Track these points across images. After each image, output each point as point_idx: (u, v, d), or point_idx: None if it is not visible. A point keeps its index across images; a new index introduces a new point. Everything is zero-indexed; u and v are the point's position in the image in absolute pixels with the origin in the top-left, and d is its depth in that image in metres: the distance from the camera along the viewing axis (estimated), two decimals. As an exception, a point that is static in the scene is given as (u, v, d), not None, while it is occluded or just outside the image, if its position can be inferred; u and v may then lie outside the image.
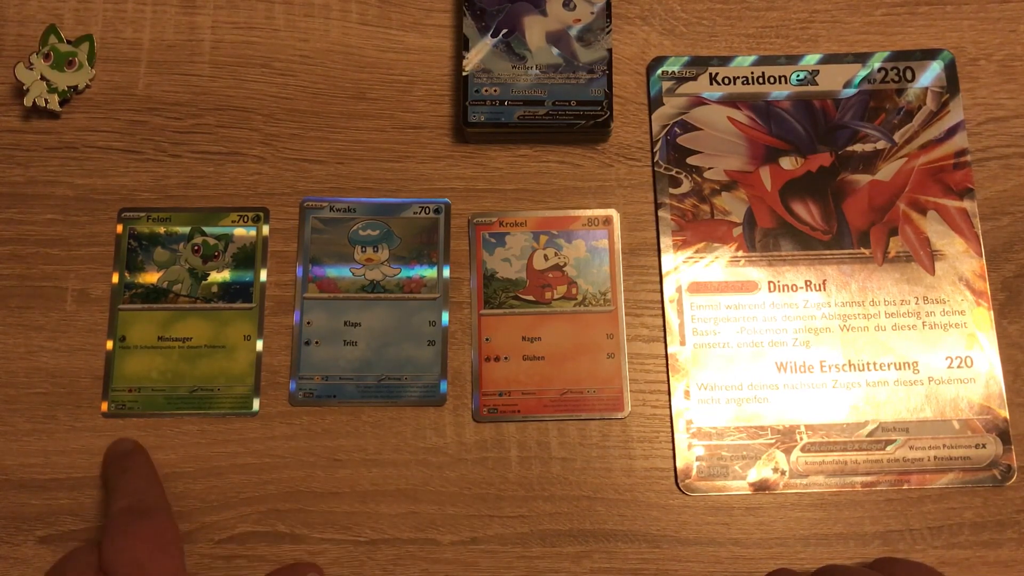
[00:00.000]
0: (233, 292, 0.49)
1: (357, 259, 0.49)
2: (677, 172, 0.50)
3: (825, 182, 0.50)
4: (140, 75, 0.52)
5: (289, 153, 0.51)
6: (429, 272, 0.49)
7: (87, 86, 0.51)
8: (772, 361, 0.48)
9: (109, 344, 0.48)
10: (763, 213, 0.50)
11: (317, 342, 0.48)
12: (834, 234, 0.49)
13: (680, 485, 0.47)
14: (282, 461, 0.47)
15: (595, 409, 0.47)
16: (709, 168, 0.50)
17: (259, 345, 0.48)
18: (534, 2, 0.51)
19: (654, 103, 0.51)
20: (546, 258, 0.49)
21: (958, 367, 0.48)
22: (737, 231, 0.49)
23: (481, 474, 0.47)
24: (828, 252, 0.49)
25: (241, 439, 0.47)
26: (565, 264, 0.49)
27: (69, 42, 0.51)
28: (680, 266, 0.49)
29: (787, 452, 0.47)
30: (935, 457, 0.47)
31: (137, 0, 0.53)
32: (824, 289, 0.49)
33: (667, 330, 0.48)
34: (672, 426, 0.47)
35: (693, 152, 0.50)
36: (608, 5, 0.51)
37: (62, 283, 0.49)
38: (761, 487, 0.46)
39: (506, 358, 0.48)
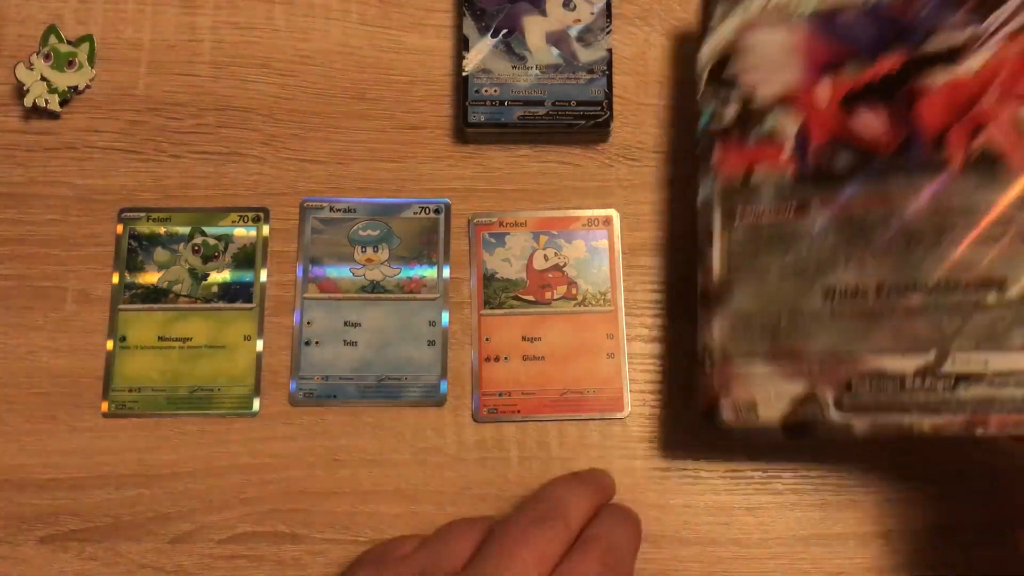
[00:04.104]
0: (233, 292, 0.49)
1: (357, 259, 0.49)
2: (723, 97, 0.45)
3: (893, 88, 0.42)
4: (140, 75, 0.52)
5: (289, 153, 0.51)
6: (429, 272, 0.49)
7: (87, 86, 0.51)
8: (819, 287, 0.41)
9: (109, 344, 0.48)
10: (818, 129, 0.43)
11: (317, 342, 0.48)
12: (902, 143, 0.41)
13: (708, 421, 0.42)
14: (282, 461, 0.47)
15: (595, 409, 0.47)
16: (758, 89, 0.44)
17: (259, 345, 0.48)
18: (534, 2, 0.51)
19: (706, 32, 0.46)
20: (546, 258, 0.49)
21: None
22: (787, 152, 0.43)
23: (481, 474, 0.47)
24: (895, 163, 0.41)
25: (241, 439, 0.47)
26: (565, 264, 0.49)
27: (69, 42, 0.51)
28: (717, 195, 0.44)
29: (830, 387, 0.40)
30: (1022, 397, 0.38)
31: (137, 0, 0.53)
32: (888, 203, 0.40)
33: (700, 260, 0.43)
34: (700, 360, 0.43)
35: (740, 76, 0.45)
36: (608, 5, 0.51)
37: (62, 283, 0.49)
38: (797, 428, 0.40)
39: (506, 358, 0.48)
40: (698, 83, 0.46)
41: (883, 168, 0.41)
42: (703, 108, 0.46)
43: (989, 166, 0.40)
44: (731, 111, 0.45)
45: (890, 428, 0.39)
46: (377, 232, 0.50)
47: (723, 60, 0.46)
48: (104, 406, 0.47)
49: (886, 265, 0.40)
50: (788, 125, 0.43)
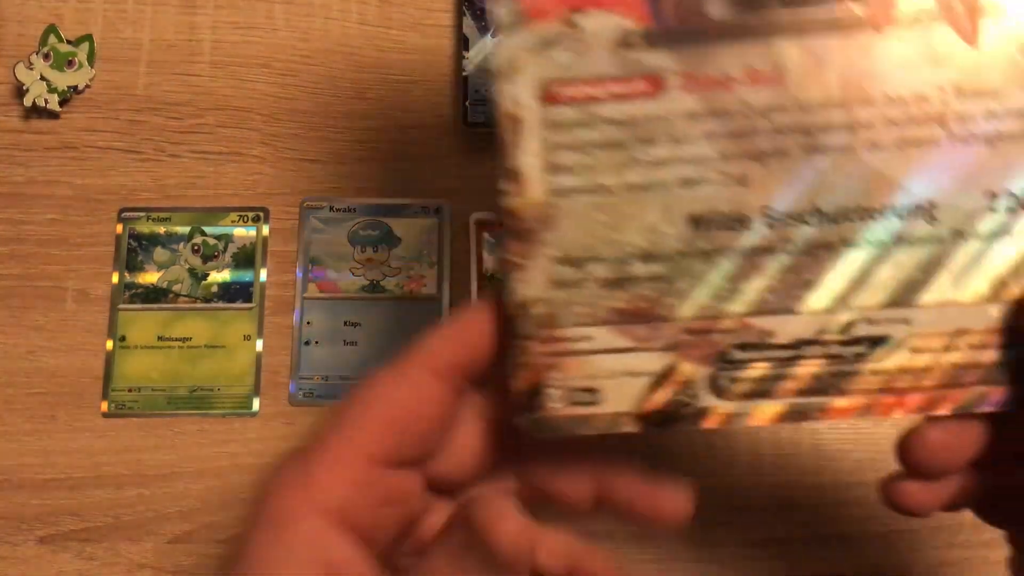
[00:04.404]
0: (233, 292, 0.49)
1: (357, 259, 0.49)
2: None
3: None
4: (140, 75, 0.52)
5: (289, 153, 0.51)
6: (429, 272, 0.49)
7: (87, 86, 0.51)
8: (683, 213, 0.28)
9: (109, 344, 0.48)
10: None
11: (317, 342, 0.48)
12: None
13: (526, 420, 0.28)
14: (282, 461, 0.47)
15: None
16: None
17: (259, 345, 0.48)
18: (534, 2, 0.51)
19: None
20: (546, 258, 0.49)
21: (1007, 212, 0.27)
22: None
23: (481, 474, 0.47)
24: (789, 13, 0.28)
25: (241, 439, 0.47)
26: (565, 264, 0.49)
27: (69, 42, 0.51)
28: (525, 56, 0.28)
29: (700, 362, 0.28)
30: (953, 365, 0.27)
31: (137, 0, 0.53)
32: (780, 82, 0.27)
33: (501, 173, 0.28)
34: (518, 325, 0.28)
35: None
36: (608, 5, 0.51)
37: (62, 283, 0.49)
38: (660, 419, 0.28)
39: (506, 358, 0.48)
40: None
41: (775, 23, 0.28)
42: None
43: (922, 29, 0.28)
44: None
45: (783, 414, 0.28)
46: (377, 232, 0.49)
47: None
48: (104, 406, 0.47)
49: (778, 179, 0.28)
50: None
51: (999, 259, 0.28)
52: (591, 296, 0.28)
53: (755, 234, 0.28)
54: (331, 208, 0.50)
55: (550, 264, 0.28)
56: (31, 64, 0.50)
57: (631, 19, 0.28)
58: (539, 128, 0.28)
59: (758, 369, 0.28)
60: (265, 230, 0.50)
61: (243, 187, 0.50)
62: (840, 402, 0.28)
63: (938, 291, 0.28)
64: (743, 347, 0.28)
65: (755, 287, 0.28)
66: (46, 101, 0.50)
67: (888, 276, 0.28)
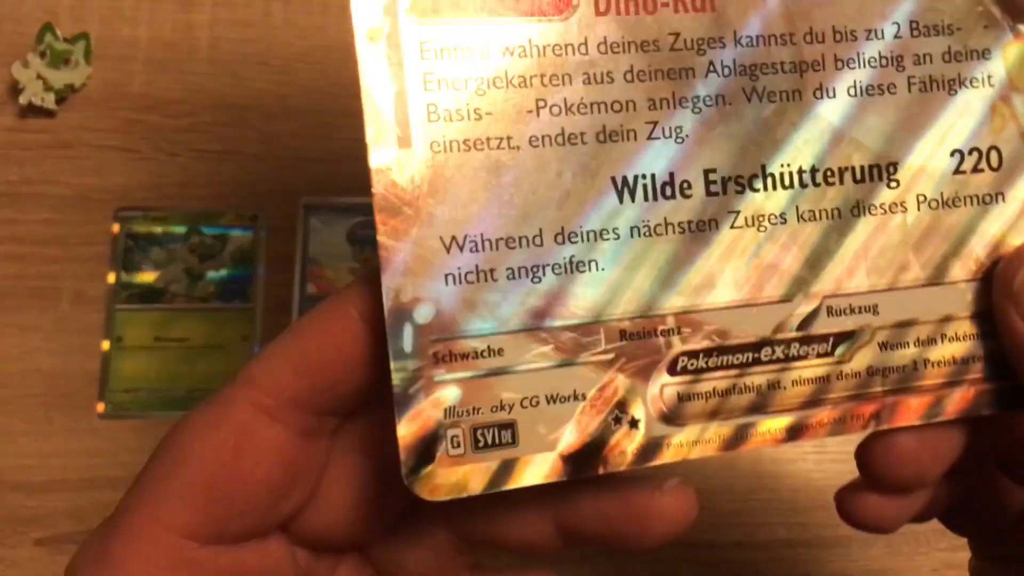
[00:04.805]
0: (231, 292, 0.48)
1: (356, 259, 0.49)
2: None
3: None
4: (137, 73, 0.51)
5: (288, 152, 0.50)
6: (429, 272, 0.49)
7: (83, 84, 0.51)
8: (605, 176, 0.21)
9: (105, 345, 0.48)
10: None
11: (316, 343, 0.48)
12: None
13: (407, 474, 0.20)
14: (280, 463, 0.46)
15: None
16: None
17: (257, 346, 0.48)
18: None
19: None
20: (547, 258, 0.49)
21: (974, 171, 0.23)
22: None
23: (481, 476, 0.46)
24: None
25: (239, 441, 0.47)
26: (566, 264, 0.49)
27: (65, 40, 0.51)
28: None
29: (642, 377, 0.22)
30: (930, 362, 0.23)
31: (134, -3, 0.53)
32: (712, 8, 0.22)
33: (365, 116, 0.22)
34: (391, 343, 0.20)
35: None
36: (609, 3, 0.50)
37: (58, 283, 0.48)
38: (590, 461, 0.21)
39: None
40: None
41: None
42: None
43: None
44: None
45: (742, 438, 0.22)
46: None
47: None
48: (100, 407, 0.47)
49: (719, 135, 0.22)
50: None
51: (972, 228, 0.23)
52: (495, 292, 0.21)
53: (695, 205, 0.22)
54: (330, 208, 0.50)
55: (437, 248, 0.21)
56: (27, 62, 0.50)
57: None
58: (411, 58, 0.21)
59: (713, 382, 0.22)
60: (263, 230, 0.49)
61: (241, 186, 0.50)
62: (806, 414, 0.22)
63: (910, 272, 0.23)
64: (694, 354, 0.22)
65: (700, 273, 0.22)
66: (42, 100, 0.50)
67: (849, 254, 0.22)
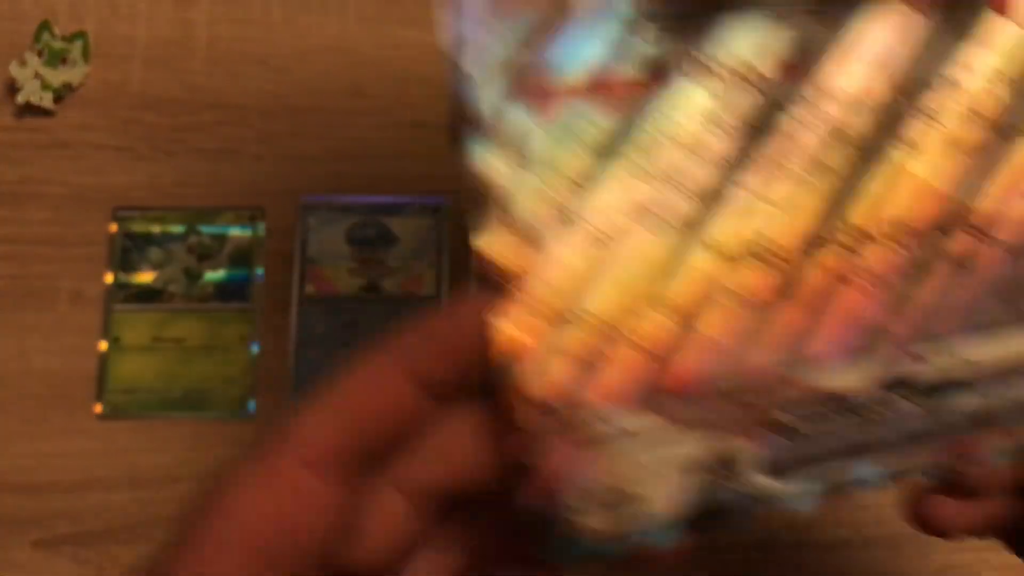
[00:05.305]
0: (229, 292, 0.48)
1: (355, 259, 0.49)
2: None
3: None
4: (135, 72, 0.51)
5: (286, 151, 0.50)
6: (429, 272, 0.48)
7: (81, 83, 0.51)
8: (697, 241, 0.22)
9: (103, 345, 0.48)
10: None
11: (314, 343, 0.47)
12: None
13: (555, 545, 0.22)
14: (279, 464, 0.46)
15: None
16: None
17: (255, 346, 0.48)
18: (535, -2, 0.50)
19: None
20: (547, 258, 0.49)
21: None
22: None
23: (481, 477, 0.46)
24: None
25: (237, 441, 0.47)
26: (566, 264, 0.48)
27: (63, 39, 0.51)
28: (491, 41, 0.24)
29: (745, 434, 0.22)
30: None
31: (132, -4, 0.52)
32: (802, 73, 0.23)
33: (470, 189, 0.25)
34: (521, 412, 0.22)
35: None
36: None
37: (55, 283, 0.48)
38: (711, 517, 0.22)
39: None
40: None
41: (802, 7, 0.23)
42: None
43: (966, 13, 0.23)
44: None
45: (844, 485, 0.22)
46: (375, 231, 0.49)
47: None
48: (98, 408, 0.47)
49: (811, 194, 0.22)
50: None
51: None
52: (608, 358, 0.21)
53: (789, 262, 0.22)
54: (329, 206, 0.49)
55: (537, 315, 0.21)
56: (24, 61, 0.50)
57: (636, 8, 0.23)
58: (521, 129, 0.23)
59: (811, 437, 0.22)
60: (261, 229, 0.49)
61: (239, 186, 0.50)
62: (912, 459, 0.23)
63: (990, 313, 0.22)
64: (797, 403, 0.22)
65: (819, 336, 0.22)
66: (40, 99, 0.50)
67: (946, 301, 0.22)
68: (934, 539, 0.45)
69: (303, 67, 0.51)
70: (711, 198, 0.22)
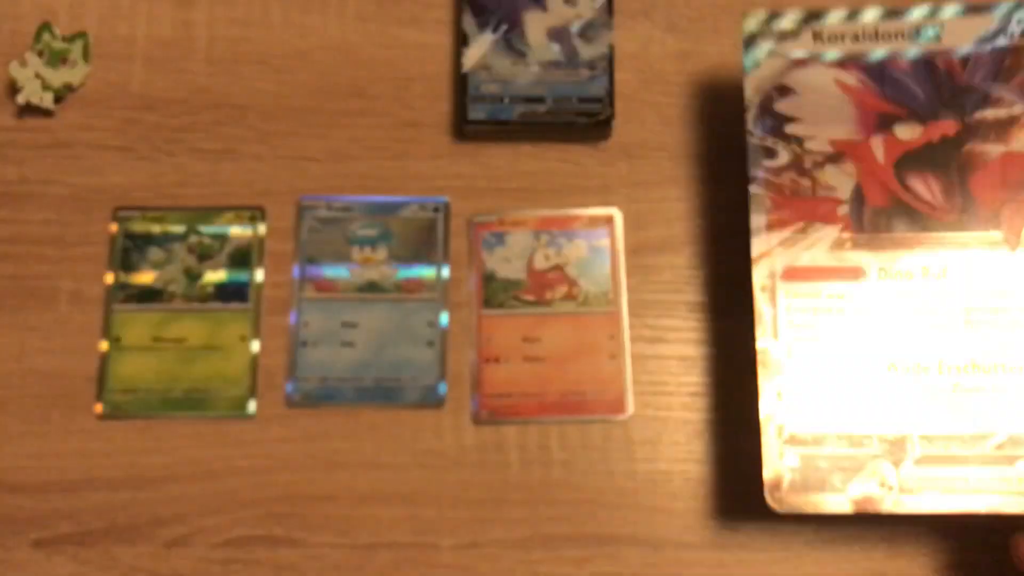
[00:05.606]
0: (229, 292, 0.48)
1: (355, 259, 0.49)
2: (773, 143, 0.44)
3: (949, 154, 0.43)
4: (135, 72, 0.51)
5: (286, 151, 0.50)
6: (428, 272, 0.48)
7: (81, 84, 0.51)
8: (881, 360, 0.42)
9: (103, 345, 0.47)
10: (874, 189, 0.43)
11: (314, 343, 0.47)
12: (958, 214, 0.43)
13: (771, 498, 0.41)
14: (279, 464, 0.46)
15: (596, 411, 0.47)
16: (811, 138, 0.44)
17: (255, 346, 0.48)
18: (534, -3, 0.50)
19: (749, 66, 0.45)
20: (547, 258, 0.49)
21: None
22: (843, 209, 0.43)
23: (481, 477, 0.46)
24: (951, 235, 0.42)
25: (237, 441, 0.47)
26: (566, 264, 0.48)
27: (63, 39, 0.51)
28: (774, 249, 0.43)
29: (896, 464, 0.41)
30: None
31: (132, -4, 0.52)
32: (945, 277, 0.42)
33: (758, 322, 0.42)
34: (760, 431, 0.41)
35: (793, 120, 0.44)
36: (610, 0, 0.50)
37: (56, 283, 0.48)
38: (864, 504, 0.40)
39: (506, 359, 0.47)
40: (747, 115, 0.45)
41: (942, 240, 0.42)
42: (751, 143, 0.44)
43: None
44: (784, 155, 0.44)
45: (957, 507, 0.40)
46: (375, 231, 0.49)
47: (769, 95, 0.45)
48: (98, 408, 0.47)
49: (947, 341, 0.42)
50: (843, 180, 0.44)
51: None
52: (816, 411, 0.41)
53: (932, 378, 0.41)
54: (328, 207, 0.49)
55: (788, 387, 0.42)
56: (25, 61, 0.50)
57: (845, 232, 0.43)
58: (781, 296, 0.42)
59: (935, 468, 0.41)
60: (262, 229, 0.49)
61: (239, 186, 0.50)
62: (994, 498, 0.40)
63: None
64: (927, 456, 0.41)
65: (933, 414, 0.41)
66: (40, 99, 0.50)
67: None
68: (934, 539, 0.45)
69: (303, 67, 0.51)
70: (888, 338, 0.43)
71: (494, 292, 0.48)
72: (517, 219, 0.49)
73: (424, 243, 0.49)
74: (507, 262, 0.49)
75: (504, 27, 0.50)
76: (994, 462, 0.40)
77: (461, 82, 0.49)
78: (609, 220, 0.49)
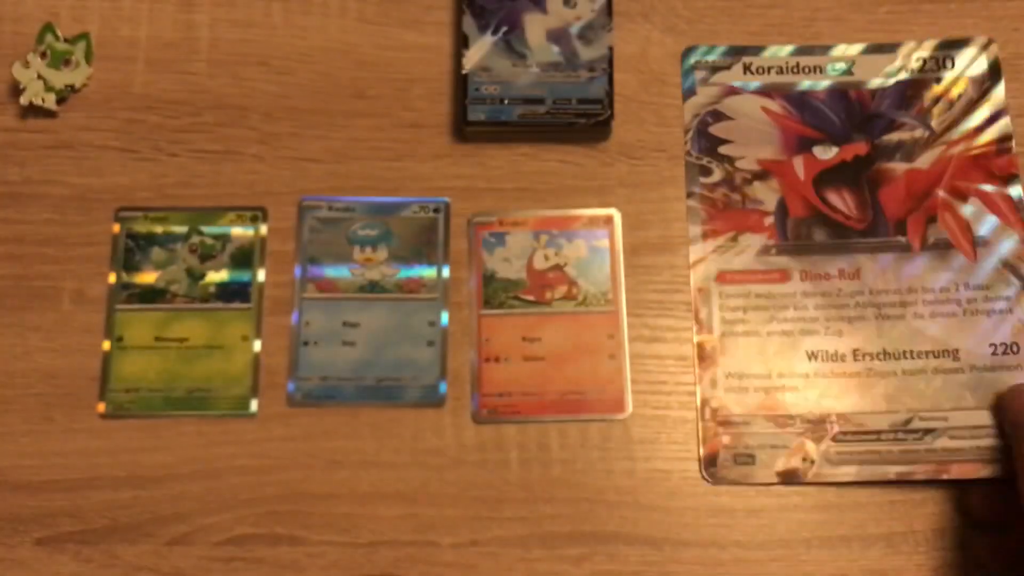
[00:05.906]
0: (231, 292, 0.48)
1: (356, 259, 0.49)
2: (708, 161, 0.50)
3: (860, 171, 0.50)
4: (137, 73, 0.51)
5: (287, 152, 0.50)
6: (428, 272, 0.49)
7: (84, 85, 0.51)
8: (803, 350, 0.47)
9: (106, 345, 0.48)
10: (796, 202, 0.49)
11: (315, 343, 0.48)
12: (869, 223, 0.49)
13: (705, 474, 0.46)
14: (280, 463, 0.47)
15: (596, 410, 0.47)
16: (741, 157, 0.50)
17: (257, 346, 0.48)
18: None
19: (687, 93, 0.51)
20: (546, 258, 0.49)
21: (1003, 354, 0.47)
22: (769, 220, 0.49)
23: (481, 476, 0.46)
24: (863, 240, 0.49)
25: (239, 440, 0.47)
26: (565, 264, 0.49)
27: (66, 40, 0.51)
28: (709, 255, 0.49)
29: (817, 441, 0.46)
30: (978, 447, 0.46)
31: (134, -2, 0.53)
32: (858, 277, 0.48)
33: (695, 319, 0.48)
34: (698, 414, 0.47)
35: (725, 141, 0.50)
36: (609, 2, 0.50)
37: (59, 283, 0.49)
38: (789, 477, 0.46)
39: (506, 359, 0.48)
40: (685, 136, 0.50)
41: (855, 246, 0.49)
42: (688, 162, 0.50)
43: (943, 251, 0.48)
44: (717, 173, 0.50)
45: (871, 475, 0.46)
46: (376, 231, 0.49)
47: (705, 119, 0.51)
48: (101, 407, 0.47)
49: (859, 331, 0.47)
50: (769, 195, 0.49)
51: (1001, 381, 0.46)
52: (746, 396, 0.47)
53: (848, 366, 0.47)
54: (329, 207, 0.50)
55: (721, 376, 0.47)
56: (27, 63, 0.50)
57: (771, 240, 0.49)
58: (715, 296, 0.48)
59: (851, 445, 0.46)
60: (263, 229, 0.49)
61: (241, 186, 0.50)
62: (904, 468, 0.46)
63: (963, 401, 0.46)
64: (843, 433, 0.46)
65: (849, 397, 0.47)
66: (43, 100, 0.50)
67: (934, 391, 0.47)
68: (931, 538, 0.45)
69: (304, 68, 0.51)
70: (808, 332, 0.49)
71: (494, 292, 0.48)
72: (517, 219, 0.49)
73: (424, 243, 0.49)
74: (507, 262, 0.49)
75: (504, 29, 0.50)
76: (903, 437, 0.46)
77: (461, 83, 0.49)
78: (608, 220, 0.49)
